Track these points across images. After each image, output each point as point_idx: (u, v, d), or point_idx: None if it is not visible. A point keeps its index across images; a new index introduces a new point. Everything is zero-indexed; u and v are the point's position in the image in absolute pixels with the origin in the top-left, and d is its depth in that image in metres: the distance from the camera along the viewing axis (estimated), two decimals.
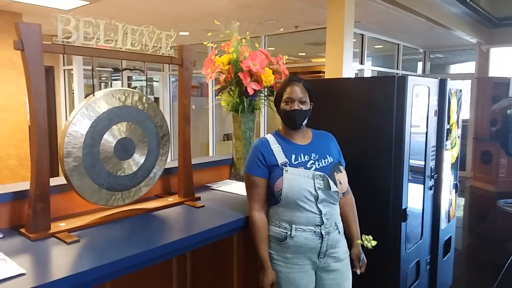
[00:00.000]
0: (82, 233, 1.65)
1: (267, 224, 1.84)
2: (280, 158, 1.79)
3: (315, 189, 1.74)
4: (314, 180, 1.75)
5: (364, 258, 1.94)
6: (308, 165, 1.79)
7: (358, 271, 1.92)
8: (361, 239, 1.85)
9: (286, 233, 1.77)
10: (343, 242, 1.87)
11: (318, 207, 1.75)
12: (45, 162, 1.58)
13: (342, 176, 1.85)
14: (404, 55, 7.92)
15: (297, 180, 1.74)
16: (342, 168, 1.87)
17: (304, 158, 1.80)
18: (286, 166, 1.77)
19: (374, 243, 1.81)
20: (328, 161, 1.83)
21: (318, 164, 1.80)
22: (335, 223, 1.82)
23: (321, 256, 1.80)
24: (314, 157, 1.81)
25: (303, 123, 1.85)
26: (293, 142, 1.86)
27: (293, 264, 1.80)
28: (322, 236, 1.76)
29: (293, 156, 1.80)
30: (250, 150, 1.89)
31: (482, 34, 7.44)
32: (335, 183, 1.78)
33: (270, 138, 1.87)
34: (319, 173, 1.76)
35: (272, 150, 1.81)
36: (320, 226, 1.76)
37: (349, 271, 1.90)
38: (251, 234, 1.85)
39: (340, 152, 1.95)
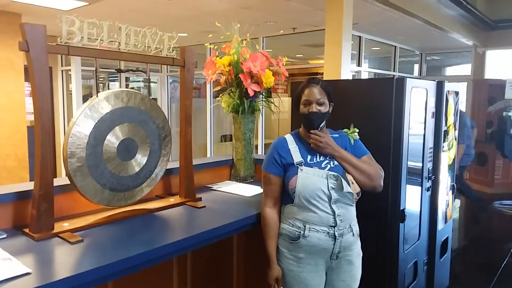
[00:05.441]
0: (85, 233, 1.66)
1: (278, 222, 1.87)
2: (296, 157, 1.83)
3: (328, 188, 1.76)
4: (327, 179, 1.77)
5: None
6: (323, 165, 1.81)
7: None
8: (348, 130, 1.92)
9: (300, 232, 1.79)
10: (357, 245, 1.88)
11: (331, 207, 1.77)
12: (49, 162, 1.59)
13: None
14: (400, 57, 7.95)
15: (311, 179, 1.77)
16: None
17: (319, 158, 1.84)
18: (301, 165, 1.80)
19: (356, 136, 1.92)
20: None
21: (333, 163, 1.82)
22: (350, 225, 1.82)
23: (333, 258, 1.81)
24: (329, 157, 1.84)
25: (321, 125, 1.86)
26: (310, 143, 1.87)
27: (305, 264, 1.81)
28: (335, 238, 1.77)
29: (309, 157, 1.84)
30: (269, 148, 1.93)
31: (478, 37, 7.50)
32: (348, 183, 1.79)
33: (289, 138, 1.91)
34: (333, 173, 1.78)
35: (289, 150, 1.86)
36: (334, 227, 1.77)
37: (359, 273, 1.91)
38: (262, 229, 1.88)
39: (361, 149, 1.91)
